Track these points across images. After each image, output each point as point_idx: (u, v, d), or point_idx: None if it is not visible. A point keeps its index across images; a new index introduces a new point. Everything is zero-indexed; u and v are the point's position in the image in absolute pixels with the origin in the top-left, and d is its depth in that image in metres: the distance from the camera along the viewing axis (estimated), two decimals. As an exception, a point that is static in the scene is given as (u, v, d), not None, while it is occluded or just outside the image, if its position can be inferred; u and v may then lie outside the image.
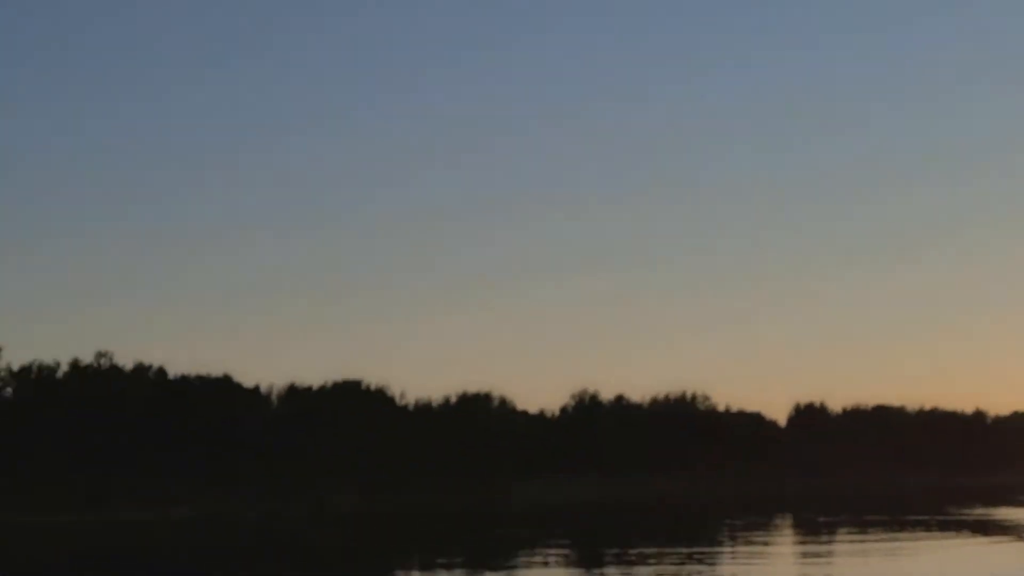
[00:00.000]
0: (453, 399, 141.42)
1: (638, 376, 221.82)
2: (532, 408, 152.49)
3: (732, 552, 39.86)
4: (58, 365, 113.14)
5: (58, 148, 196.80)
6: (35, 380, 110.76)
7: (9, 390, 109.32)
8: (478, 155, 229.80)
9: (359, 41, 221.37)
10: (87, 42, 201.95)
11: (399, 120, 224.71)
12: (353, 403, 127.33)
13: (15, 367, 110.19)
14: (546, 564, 39.62)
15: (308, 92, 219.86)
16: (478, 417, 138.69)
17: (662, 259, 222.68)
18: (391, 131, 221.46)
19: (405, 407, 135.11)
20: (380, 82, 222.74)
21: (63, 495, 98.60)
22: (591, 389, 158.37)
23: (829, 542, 48.52)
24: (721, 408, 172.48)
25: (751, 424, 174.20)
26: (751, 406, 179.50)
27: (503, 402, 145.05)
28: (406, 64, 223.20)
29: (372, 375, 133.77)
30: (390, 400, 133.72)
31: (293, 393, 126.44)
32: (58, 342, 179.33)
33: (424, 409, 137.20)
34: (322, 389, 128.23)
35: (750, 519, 68.31)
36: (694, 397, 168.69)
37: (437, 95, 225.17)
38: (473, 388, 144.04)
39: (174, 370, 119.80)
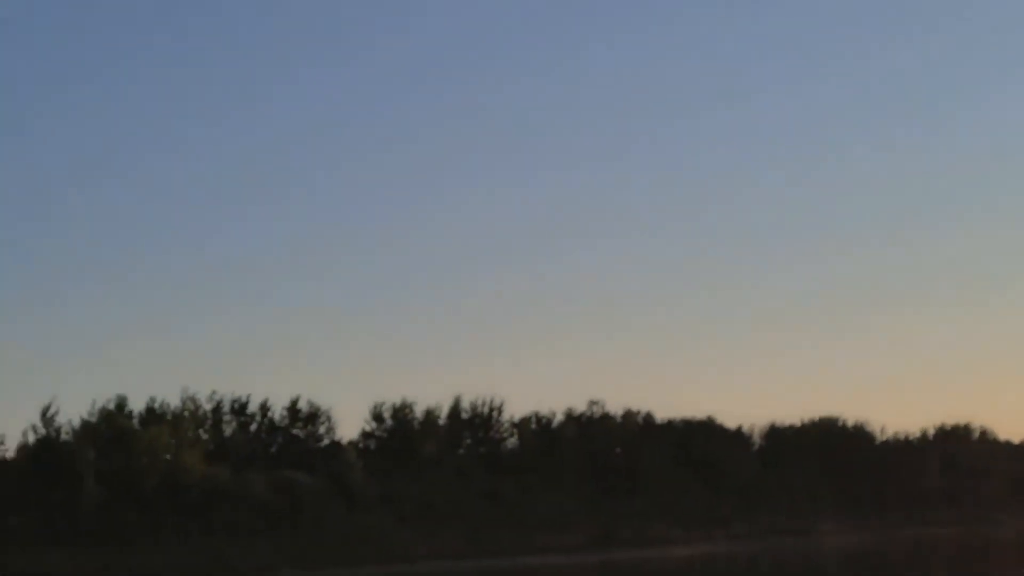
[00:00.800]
0: (932, 432, 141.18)
1: None
2: (1015, 438, 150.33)
3: None
4: (554, 415, 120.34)
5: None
6: (535, 430, 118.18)
7: (514, 439, 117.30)
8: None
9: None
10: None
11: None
12: (834, 440, 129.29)
13: (516, 419, 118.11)
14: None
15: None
16: (959, 449, 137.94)
17: None
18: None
19: (886, 442, 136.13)
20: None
21: (572, 535, 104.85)
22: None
23: None
24: None
25: None
26: None
27: (983, 433, 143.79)
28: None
29: (847, 411, 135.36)
30: (870, 436, 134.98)
31: (774, 432, 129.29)
32: (554, 393, 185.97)
33: (903, 444, 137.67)
34: (803, 427, 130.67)
35: None
36: None
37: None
38: (951, 420, 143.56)
39: (661, 414, 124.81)
